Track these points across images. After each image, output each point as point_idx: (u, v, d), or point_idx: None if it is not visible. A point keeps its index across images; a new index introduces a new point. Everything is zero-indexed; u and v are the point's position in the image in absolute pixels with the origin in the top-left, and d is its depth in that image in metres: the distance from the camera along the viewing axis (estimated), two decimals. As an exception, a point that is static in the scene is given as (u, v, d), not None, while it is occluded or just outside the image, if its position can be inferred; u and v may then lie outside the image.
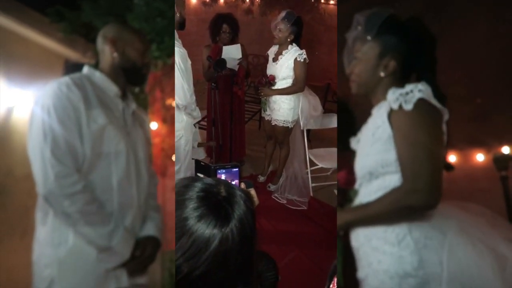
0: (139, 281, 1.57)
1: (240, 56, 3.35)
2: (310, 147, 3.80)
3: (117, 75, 1.58)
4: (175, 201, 0.88)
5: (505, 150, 2.23)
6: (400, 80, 1.41)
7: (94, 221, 1.41)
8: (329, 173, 3.83)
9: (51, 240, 1.43)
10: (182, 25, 2.59)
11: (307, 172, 3.66)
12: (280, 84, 3.38)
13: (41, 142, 1.37)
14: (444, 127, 1.35)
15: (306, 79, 3.35)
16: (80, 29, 2.36)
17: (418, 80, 1.39)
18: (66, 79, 1.47)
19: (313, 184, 3.68)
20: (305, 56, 3.25)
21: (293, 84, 3.35)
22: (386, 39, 1.40)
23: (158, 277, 2.31)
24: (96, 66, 1.63)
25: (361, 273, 1.43)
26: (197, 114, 2.73)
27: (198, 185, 0.90)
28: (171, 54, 2.46)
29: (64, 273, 1.43)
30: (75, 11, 2.35)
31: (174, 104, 2.65)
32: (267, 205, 3.53)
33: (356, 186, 1.49)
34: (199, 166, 1.22)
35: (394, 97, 1.34)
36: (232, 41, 3.58)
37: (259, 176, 3.97)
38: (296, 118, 3.47)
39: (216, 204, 0.87)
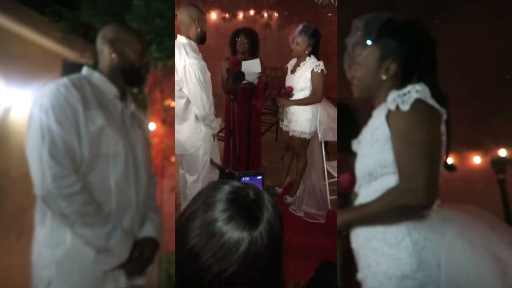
0: (137, 282, 1.56)
1: (259, 70, 3.39)
2: (328, 159, 3.72)
3: (116, 76, 1.57)
4: (203, 204, 0.88)
5: (502, 152, 2.24)
6: (402, 82, 1.41)
7: (92, 222, 1.40)
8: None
9: (49, 241, 1.43)
10: (202, 39, 2.66)
11: (325, 185, 3.59)
12: (298, 96, 3.38)
13: (39, 143, 1.36)
14: (443, 128, 1.35)
15: (324, 91, 3.35)
16: (78, 29, 2.36)
17: (419, 81, 1.40)
18: (64, 80, 1.46)
19: (331, 197, 3.60)
20: (322, 67, 3.24)
21: (311, 95, 3.35)
22: (386, 42, 1.41)
23: (156, 278, 2.31)
24: (94, 66, 1.62)
25: (360, 275, 1.44)
26: (216, 124, 2.78)
27: (227, 187, 0.90)
28: (171, 55, 2.47)
29: (62, 274, 1.42)
30: (74, 11, 2.35)
31: (173, 104, 2.65)
32: (284, 217, 3.45)
33: (356, 187, 1.49)
34: (223, 173, 1.24)
35: (391, 98, 1.35)
36: (252, 55, 3.65)
37: (276, 187, 3.92)
38: (314, 130, 3.44)
39: (245, 206, 0.87)
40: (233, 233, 0.82)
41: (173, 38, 2.49)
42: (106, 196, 1.47)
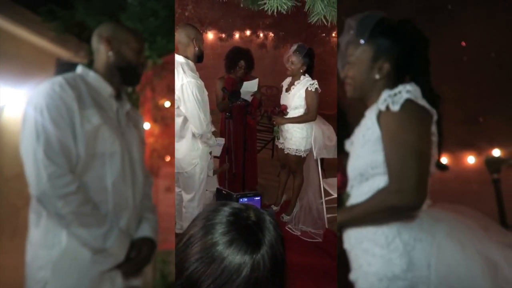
0: (134, 283, 1.56)
1: (256, 89, 3.48)
2: (324, 177, 3.73)
3: (111, 75, 1.57)
4: (202, 227, 0.85)
5: (496, 152, 2.25)
6: (394, 81, 1.42)
7: (89, 222, 1.39)
8: (345, 203, 3.76)
9: (44, 242, 1.42)
10: (200, 58, 2.73)
11: (322, 202, 3.60)
12: (292, 114, 3.42)
13: (34, 143, 1.35)
14: (434, 128, 1.36)
15: (319, 108, 3.40)
16: (72, 29, 2.34)
17: (412, 81, 1.40)
18: (59, 78, 1.45)
19: (328, 215, 3.59)
20: (316, 86, 3.29)
21: (305, 113, 3.39)
22: (379, 42, 1.41)
23: (150, 277, 2.30)
24: (88, 65, 1.61)
25: (352, 275, 1.44)
26: (213, 142, 2.83)
27: (227, 209, 0.87)
28: (163, 54, 2.46)
29: (58, 275, 1.41)
30: (68, 10, 2.33)
31: (166, 104, 2.64)
32: None
33: (348, 188, 1.49)
34: (220, 194, 1.21)
35: (382, 98, 1.35)
36: (246, 75, 3.72)
37: (272, 206, 3.92)
38: (309, 147, 3.47)
39: (246, 229, 0.84)
40: (234, 257, 0.80)
41: (168, 37, 2.48)
42: (102, 196, 1.46)
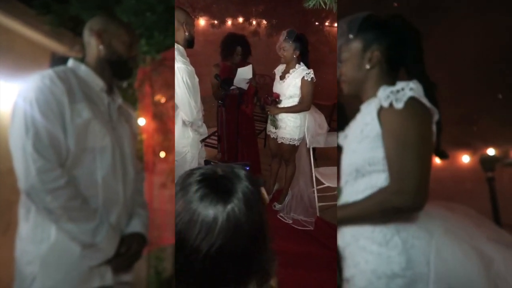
0: (124, 278, 1.55)
1: (251, 76, 3.43)
2: (316, 166, 3.75)
3: (103, 68, 1.56)
4: (179, 190, 0.91)
5: (490, 152, 2.25)
6: (388, 74, 1.41)
7: (78, 217, 1.38)
8: (336, 192, 3.81)
9: (33, 237, 1.40)
10: (191, 43, 2.64)
11: (314, 191, 3.61)
12: (286, 103, 3.40)
13: (23, 136, 1.33)
14: (434, 128, 1.35)
15: (313, 98, 3.38)
16: (67, 22, 2.33)
17: (407, 75, 1.40)
18: (49, 72, 1.43)
19: (320, 204, 3.62)
20: (312, 76, 3.27)
21: (300, 102, 3.37)
22: (367, 35, 1.41)
23: (144, 274, 2.29)
24: (83, 59, 1.60)
25: (347, 273, 1.43)
26: (204, 130, 2.76)
27: (198, 171, 0.94)
28: (161, 49, 2.44)
29: (46, 270, 1.39)
30: (63, 3, 2.31)
31: (163, 100, 2.63)
32: (272, 225, 3.45)
33: (342, 183, 1.48)
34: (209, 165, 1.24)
35: (385, 95, 1.33)
36: (243, 60, 3.70)
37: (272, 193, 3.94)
38: (302, 136, 3.46)
39: (214, 183, 0.90)
40: (208, 210, 0.85)
41: (165, 32, 2.46)
42: (92, 191, 1.45)
